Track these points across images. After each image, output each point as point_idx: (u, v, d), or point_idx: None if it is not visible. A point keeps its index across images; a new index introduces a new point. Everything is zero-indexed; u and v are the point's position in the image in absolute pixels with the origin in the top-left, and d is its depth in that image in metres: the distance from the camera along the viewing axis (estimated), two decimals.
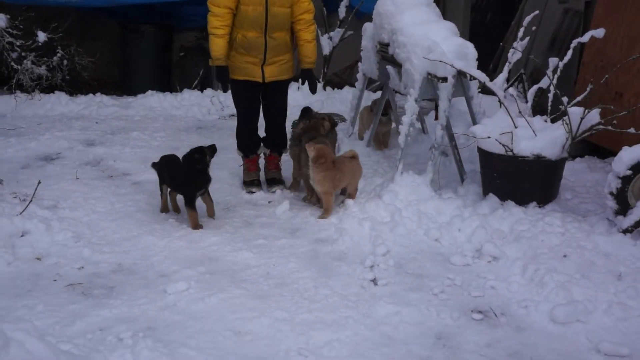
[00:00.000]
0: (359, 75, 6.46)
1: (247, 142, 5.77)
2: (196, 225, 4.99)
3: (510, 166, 4.85)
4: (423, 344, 3.58)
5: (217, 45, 5.36)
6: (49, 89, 8.94)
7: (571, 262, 4.22)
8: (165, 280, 4.18)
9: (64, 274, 4.28)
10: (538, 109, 6.07)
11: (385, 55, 5.78)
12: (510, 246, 4.51)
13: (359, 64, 6.45)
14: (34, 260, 4.44)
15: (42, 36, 8.67)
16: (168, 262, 4.45)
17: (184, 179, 5.07)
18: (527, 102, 5.40)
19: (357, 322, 3.75)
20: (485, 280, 4.20)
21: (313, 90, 5.80)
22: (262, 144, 5.90)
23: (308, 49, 5.62)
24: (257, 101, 5.77)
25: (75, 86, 9.24)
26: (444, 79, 5.08)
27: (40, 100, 8.67)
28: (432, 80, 5.20)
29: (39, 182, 5.19)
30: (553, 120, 5.07)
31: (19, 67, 8.64)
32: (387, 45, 5.67)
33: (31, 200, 4.99)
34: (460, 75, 5.10)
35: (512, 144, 4.78)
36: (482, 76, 4.92)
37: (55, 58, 8.84)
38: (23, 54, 8.64)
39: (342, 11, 8.98)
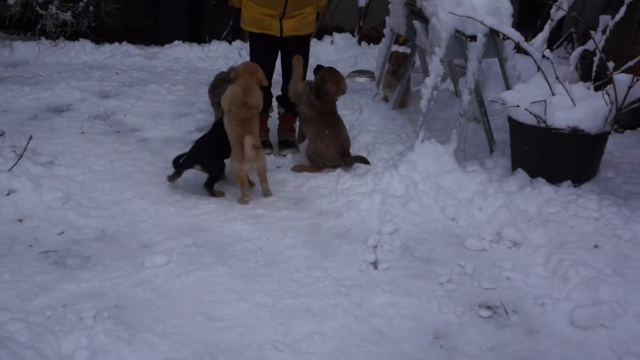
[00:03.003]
0: (386, 31, 5.87)
1: None
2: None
3: (542, 139, 4.27)
4: (417, 343, 3.14)
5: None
6: (74, 36, 8.65)
7: (602, 253, 3.67)
8: (145, 252, 3.83)
9: (41, 239, 3.99)
10: (589, 73, 5.41)
11: (414, 8, 5.20)
12: (535, 231, 3.98)
13: (387, 17, 5.86)
14: (14, 221, 4.16)
15: None
16: (154, 231, 4.10)
17: None
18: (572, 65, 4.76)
19: (346, 312, 3.33)
20: (500, 270, 3.70)
21: None
22: (274, 104, 5.46)
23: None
24: (273, 57, 5.33)
25: (102, 34, 8.92)
26: (473, 38, 4.49)
27: (64, 47, 8.38)
28: (460, 39, 4.61)
29: (30, 137, 4.88)
30: (597, 88, 4.43)
31: (44, 12, 8.35)
32: None
33: (21, 156, 4.68)
34: (493, 33, 4.50)
35: (545, 114, 4.19)
36: (515, 35, 4.31)
37: (80, 4, 8.51)
38: None
39: None
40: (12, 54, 8.33)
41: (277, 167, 5.18)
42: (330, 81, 4.96)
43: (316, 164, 5.02)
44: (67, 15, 8.45)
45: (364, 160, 4.92)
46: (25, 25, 8.69)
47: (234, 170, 4.56)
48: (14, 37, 9.08)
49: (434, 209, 4.35)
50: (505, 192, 4.34)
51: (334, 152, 4.96)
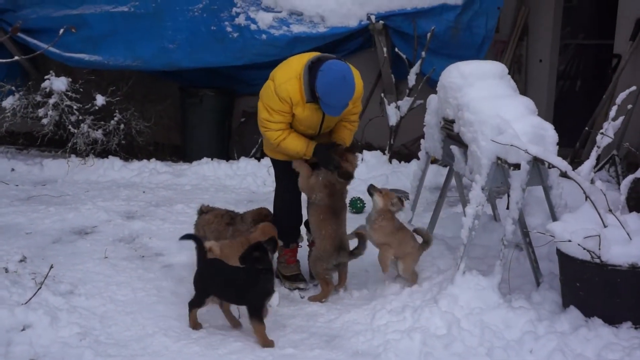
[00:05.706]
0: (421, 154, 5.73)
1: (289, 229, 5.08)
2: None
3: (597, 276, 3.95)
4: None
5: (293, 143, 4.72)
6: (103, 153, 8.68)
7: None
8: None
9: None
10: (635, 196, 5.15)
11: (450, 133, 5.04)
12: None
13: (422, 140, 5.72)
14: None
15: (100, 100, 8.47)
16: None
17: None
18: (620, 192, 4.51)
19: None
20: None
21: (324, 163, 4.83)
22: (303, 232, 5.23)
23: (346, 134, 5.02)
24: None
25: (131, 151, 8.95)
26: (517, 166, 4.28)
27: (93, 165, 8.38)
28: (502, 166, 4.41)
29: (51, 267, 4.68)
30: None
31: (76, 130, 8.42)
32: (453, 122, 4.93)
33: (40, 287, 4.47)
34: (537, 161, 4.28)
35: (599, 248, 3.89)
36: (562, 165, 4.08)
37: (112, 122, 8.58)
38: (81, 117, 8.44)
39: (411, 79, 8.28)
40: (42, 172, 8.36)
41: (304, 298, 4.88)
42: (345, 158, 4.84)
43: (324, 279, 4.81)
44: (98, 134, 8.50)
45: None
46: (57, 143, 8.76)
47: None
48: (45, 155, 9.15)
49: (479, 351, 3.98)
50: (558, 332, 3.98)
51: (328, 246, 4.78)
